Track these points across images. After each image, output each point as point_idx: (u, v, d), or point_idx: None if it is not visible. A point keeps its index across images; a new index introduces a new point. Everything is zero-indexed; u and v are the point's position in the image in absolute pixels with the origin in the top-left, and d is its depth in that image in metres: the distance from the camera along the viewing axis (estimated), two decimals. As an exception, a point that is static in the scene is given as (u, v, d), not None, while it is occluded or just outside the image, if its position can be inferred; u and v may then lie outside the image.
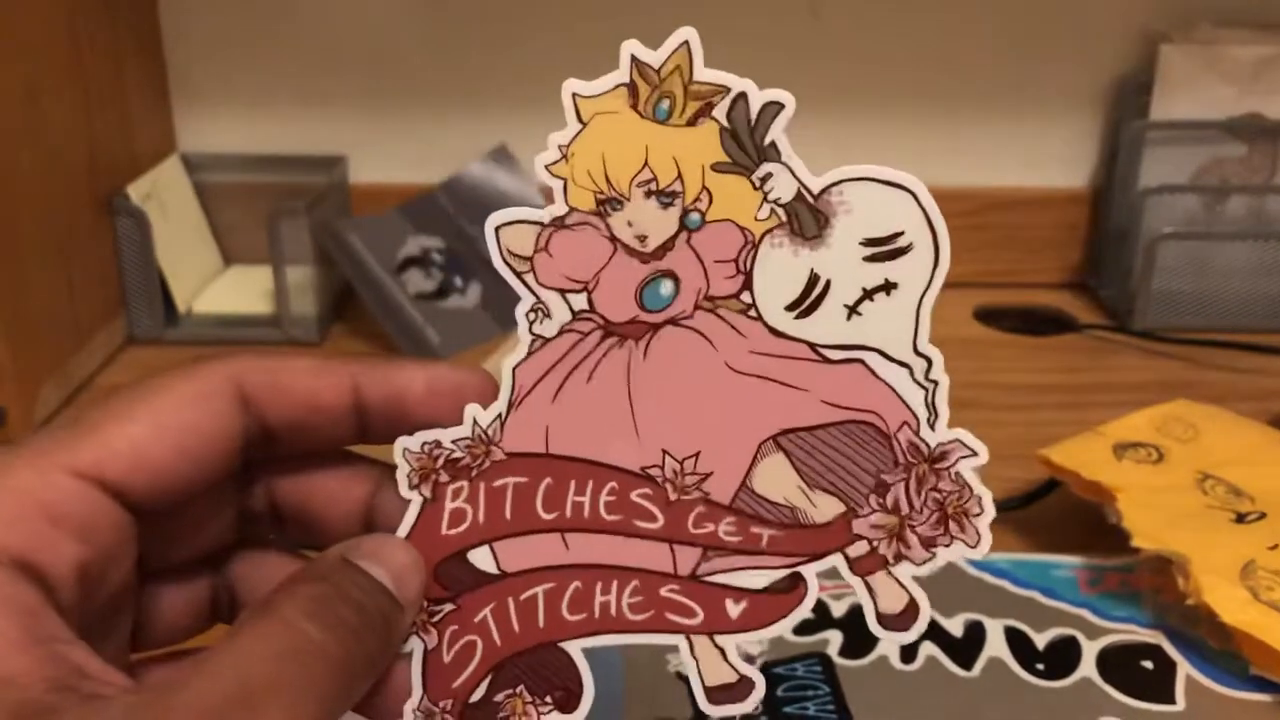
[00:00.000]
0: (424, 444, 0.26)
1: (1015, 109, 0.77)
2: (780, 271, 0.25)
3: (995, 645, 0.43)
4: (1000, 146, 0.78)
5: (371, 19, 0.75)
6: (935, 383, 0.25)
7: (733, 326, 0.25)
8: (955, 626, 0.43)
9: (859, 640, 0.43)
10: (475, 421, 0.26)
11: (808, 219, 0.24)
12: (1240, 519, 0.45)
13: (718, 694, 0.25)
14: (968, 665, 0.42)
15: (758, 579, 0.25)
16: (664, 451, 0.25)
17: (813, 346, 0.25)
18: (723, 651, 0.25)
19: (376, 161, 0.77)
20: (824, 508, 0.25)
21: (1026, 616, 0.44)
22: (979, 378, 0.66)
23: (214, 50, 0.76)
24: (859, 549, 0.25)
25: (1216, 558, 0.42)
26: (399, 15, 0.75)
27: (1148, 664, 0.42)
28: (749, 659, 0.41)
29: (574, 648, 0.26)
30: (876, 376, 0.25)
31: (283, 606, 0.22)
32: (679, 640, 0.25)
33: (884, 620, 0.25)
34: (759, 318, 0.25)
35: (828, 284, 0.25)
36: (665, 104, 0.24)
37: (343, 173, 0.76)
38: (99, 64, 0.67)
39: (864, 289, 0.25)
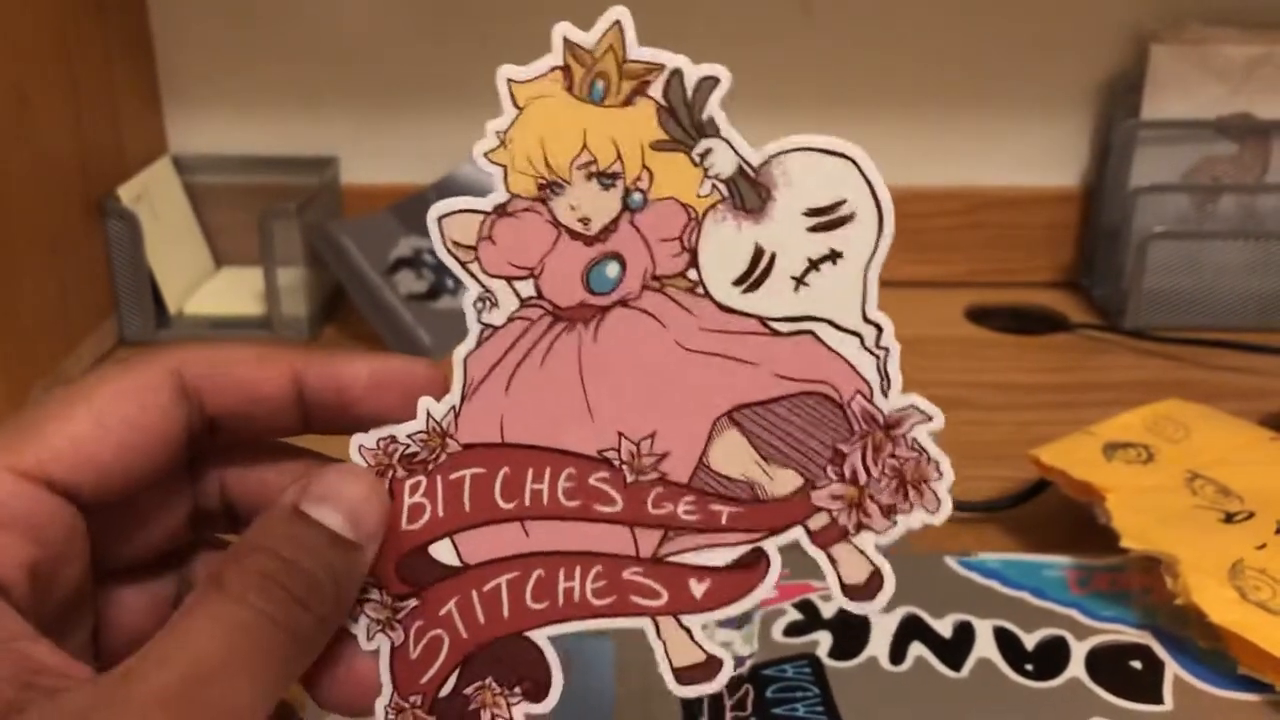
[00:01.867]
0: (379, 440, 0.26)
1: (1006, 108, 0.77)
2: (725, 247, 0.24)
3: (984, 646, 0.43)
4: (991, 145, 0.78)
5: (362, 20, 0.75)
6: (886, 349, 0.24)
7: (681, 305, 0.25)
8: (944, 627, 0.43)
9: (848, 642, 0.43)
10: (429, 414, 0.26)
11: (749, 193, 0.24)
12: (1229, 519, 0.45)
13: (686, 674, 0.25)
14: (957, 666, 0.42)
15: (720, 556, 0.25)
16: (619, 434, 0.25)
17: (762, 320, 0.25)
18: (689, 631, 0.25)
19: (368, 162, 0.77)
20: (782, 481, 0.25)
21: (1016, 617, 0.44)
22: (970, 377, 0.66)
23: (205, 52, 0.76)
24: (819, 521, 0.25)
25: (1205, 558, 0.42)
26: (390, 16, 0.75)
27: (1136, 664, 0.42)
28: (739, 660, 0.41)
29: (540, 636, 0.26)
30: (827, 347, 0.25)
31: (231, 583, 0.22)
32: (645, 623, 0.25)
33: (849, 591, 0.25)
34: (707, 294, 0.25)
35: (773, 257, 0.24)
36: (600, 85, 0.24)
37: (334, 174, 0.76)
38: (89, 66, 0.67)
39: (810, 259, 0.24)
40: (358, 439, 0.26)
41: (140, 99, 0.74)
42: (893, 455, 0.24)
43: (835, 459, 0.24)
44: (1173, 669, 0.42)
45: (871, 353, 0.24)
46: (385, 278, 0.69)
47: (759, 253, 0.24)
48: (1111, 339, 0.72)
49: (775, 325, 0.25)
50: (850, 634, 0.43)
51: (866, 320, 0.24)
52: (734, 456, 0.25)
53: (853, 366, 0.24)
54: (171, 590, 0.27)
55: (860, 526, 0.24)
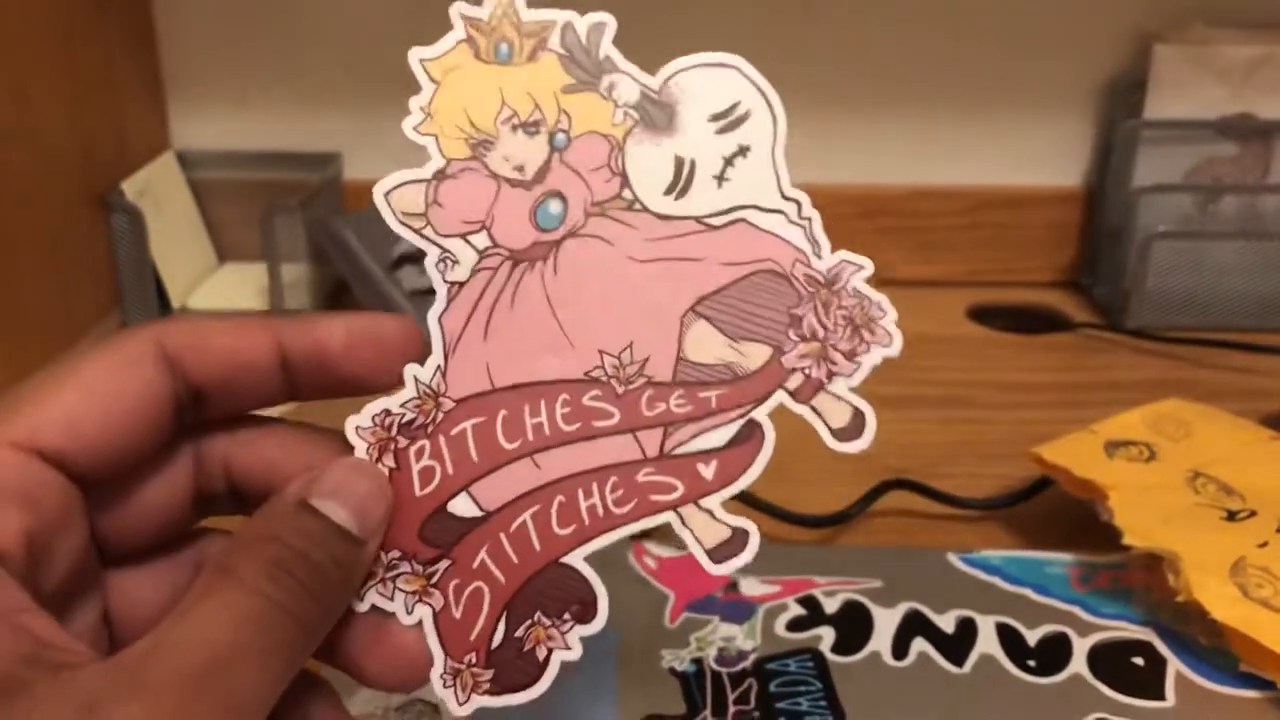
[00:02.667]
0: (373, 417, 0.27)
1: (1008, 108, 0.77)
2: (649, 163, 0.27)
3: (987, 642, 0.43)
4: (993, 145, 0.78)
5: (366, 16, 0.75)
6: (809, 219, 0.27)
7: (624, 223, 0.27)
8: (947, 623, 0.44)
9: (851, 637, 0.43)
10: (416, 379, 0.27)
11: (657, 113, 0.27)
12: (1231, 517, 0.45)
13: (718, 552, 0.27)
14: (959, 662, 0.42)
15: (718, 437, 0.27)
16: (600, 351, 0.27)
17: (698, 220, 0.27)
18: (711, 513, 0.27)
19: (371, 158, 0.77)
20: (754, 355, 0.27)
21: (1018, 613, 0.44)
22: (972, 376, 0.66)
23: (208, 46, 0.76)
24: (795, 380, 0.27)
25: (1207, 555, 0.42)
26: (393, 11, 0.75)
27: (1138, 661, 0.42)
28: (741, 654, 0.41)
29: (576, 559, 0.27)
30: (759, 228, 0.27)
31: (241, 570, 0.23)
32: (669, 516, 0.27)
33: (838, 434, 0.27)
34: (644, 209, 0.27)
35: (693, 163, 0.27)
36: (504, 47, 0.27)
37: (337, 169, 0.76)
38: (92, 60, 0.67)
39: (724, 158, 0.27)
40: (353, 421, 0.27)
41: (143, 94, 0.74)
42: (840, 306, 0.27)
43: (793, 323, 0.27)
44: (1174, 666, 0.42)
45: (797, 224, 0.27)
46: (388, 273, 0.69)
47: (679, 162, 0.27)
48: (1113, 339, 0.72)
49: (710, 221, 0.27)
50: (853, 629, 0.43)
51: (785, 198, 0.27)
52: (706, 345, 0.27)
53: (785, 240, 0.27)
54: (181, 575, 0.27)
55: (831, 374, 0.27)
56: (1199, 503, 0.46)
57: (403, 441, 0.26)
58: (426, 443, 0.26)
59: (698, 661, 0.41)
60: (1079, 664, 0.42)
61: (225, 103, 0.77)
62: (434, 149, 0.27)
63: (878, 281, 0.27)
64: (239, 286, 0.75)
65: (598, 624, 0.26)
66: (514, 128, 0.27)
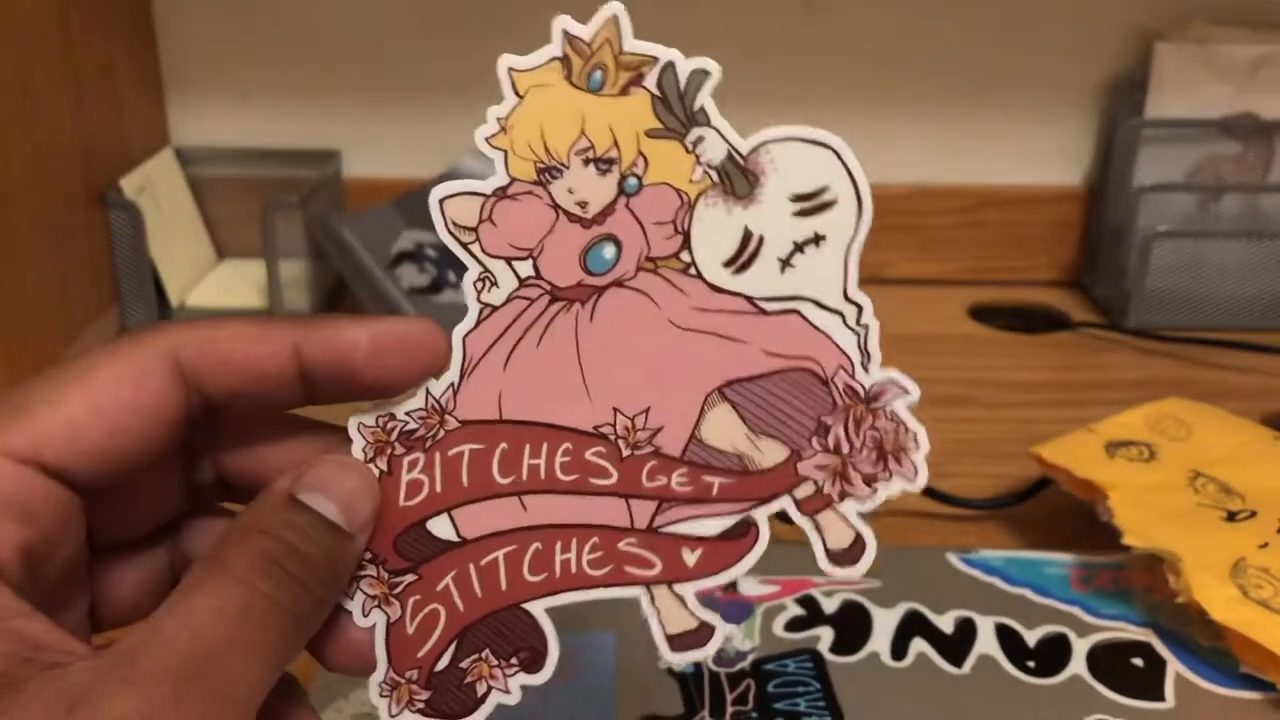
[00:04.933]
0: (378, 418, 0.26)
1: (1010, 106, 0.77)
2: (716, 230, 0.26)
3: (986, 642, 0.43)
4: (995, 144, 0.78)
5: (366, 13, 0.75)
6: (866, 327, 0.26)
7: (674, 285, 0.26)
8: (946, 623, 0.43)
9: (850, 637, 0.43)
10: (428, 392, 0.26)
11: (739, 179, 0.25)
12: (1231, 517, 0.45)
13: (679, 641, 0.26)
14: (958, 662, 0.42)
15: (712, 526, 0.26)
16: (615, 409, 0.26)
17: (750, 300, 0.26)
18: (682, 600, 0.26)
19: (370, 155, 0.77)
20: (770, 453, 0.26)
21: (1017, 614, 0.44)
22: (973, 375, 0.66)
23: (208, 43, 0.76)
24: (805, 490, 0.26)
25: (1207, 556, 0.42)
26: (393, 9, 0.75)
27: (1138, 661, 0.42)
28: (739, 655, 0.41)
29: (537, 608, 0.26)
30: (812, 325, 0.26)
31: (233, 563, 0.23)
32: (639, 592, 0.26)
33: (833, 556, 0.26)
34: (699, 275, 0.26)
35: (761, 239, 0.26)
36: (598, 75, 0.25)
37: (336, 167, 0.76)
38: (91, 56, 0.67)
39: (795, 242, 0.26)
40: (356, 417, 0.26)
41: (143, 90, 0.74)
42: (873, 427, 0.26)
43: (820, 431, 0.26)
44: (1174, 667, 0.42)
45: (853, 330, 0.26)
46: (387, 271, 0.69)
47: (748, 235, 0.26)
48: (1114, 338, 0.72)
49: (763, 304, 0.26)
50: (852, 629, 0.43)
51: (848, 299, 0.26)
52: (724, 430, 0.26)
53: (835, 343, 0.26)
54: (164, 559, 0.27)
55: (844, 494, 0.26)
56: (1199, 503, 0.46)
57: (399, 449, 0.26)
58: (422, 456, 0.26)
59: (696, 662, 0.41)
60: (1078, 665, 0.42)
61: (224, 99, 0.77)
62: (500, 165, 0.25)
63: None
64: (238, 283, 0.74)
65: (542, 676, 0.26)
66: (587, 161, 0.25)
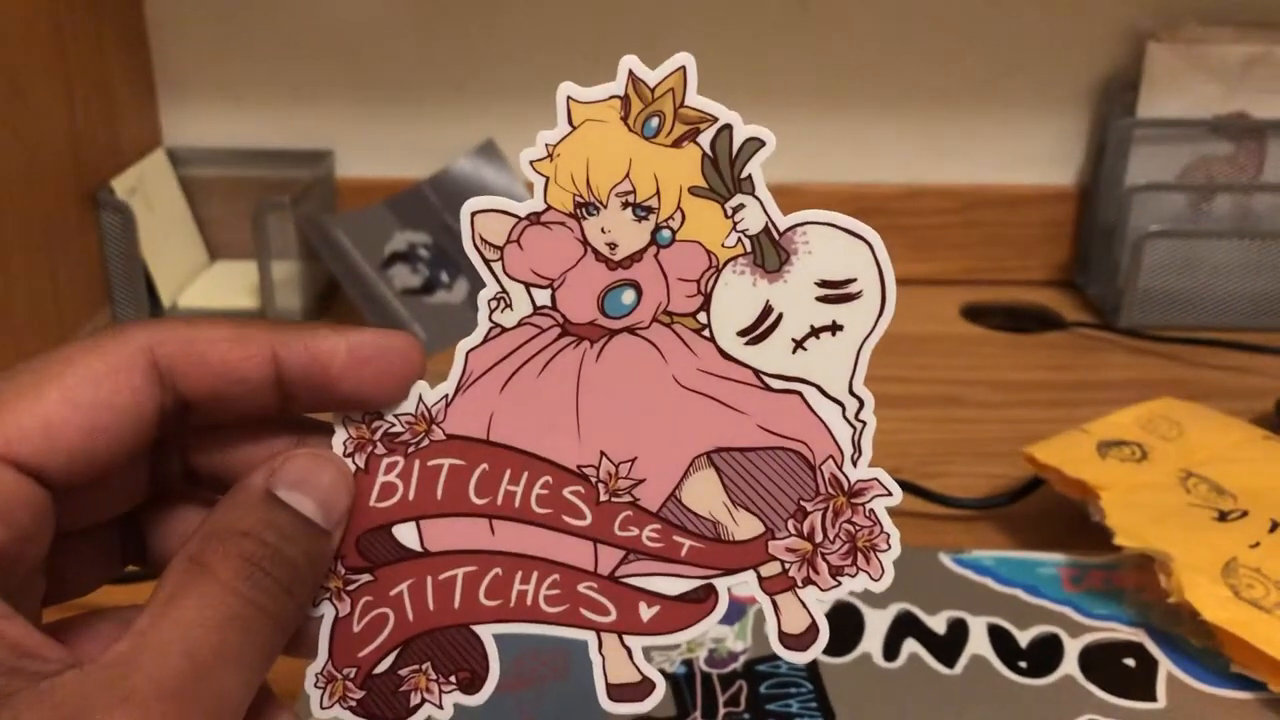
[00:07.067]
0: (365, 414, 0.26)
1: (1002, 106, 0.77)
2: (738, 298, 0.26)
3: (978, 643, 0.43)
4: (987, 144, 0.78)
5: (358, 13, 0.75)
6: (864, 423, 0.26)
7: (685, 343, 0.26)
8: (938, 624, 0.43)
9: (842, 638, 0.43)
10: (420, 399, 0.26)
11: (771, 253, 0.26)
12: (1222, 517, 0.45)
13: (619, 691, 0.26)
14: (950, 663, 0.42)
15: (673, 586, 0.26)
16: (602, 453, 0.26)
17: (757, 373, 0.26)
18: (629, 651, 0.26)
19: (363, 156, 0.77)
20: (744, 526, 0.26)
21: (1009, 614, 0.44)
22: (965, 375, 0.66)
23: (200, 44, 0.75)
24: (771, 569, 0.26)
25: (1198, 556, 0.42)
26: (386, 9, 0.75)
27: (1129, 662, 0.42)
28: (731, 656, 0.41)
29: (486, 632, 0.26)
30: (811, 409, 0.26)
31: (217, 568, 0.22)
32: (589, 636, 0.26)
33: (785, 639, 0.26)
34: (711, 339, 0.26)
35: (779, 316, 0.26)
36: (655, 121, 0.25)
37: (329, 167, 0.76)
38: (83, 56, 0.66)
39: (812, 326, 0.26)
40: (344, 411, 0.26)
41: (135, 91, 0.74)
42: (850, 521, 0.26)
43: (797, 514, 0.26)
44: (1166, 667, 0.42)
45: (850, 423, 0.26)
46: (380, 272, 0.69)
47: (768, 310, 0.26)
48: (1106, 338, 0.72)
49: (768, 380, 0.26)
50: (844, 630, 0.43)
51: (852, 393, 0.26)
52: (705, 495, 0.26)
53: (831, 432, 0.26)
54: (115, 538, 0.27)
55: (808, 581, 0.26)
56: (1191, 503, 0.46)
57: (380, 449, 0.26)
58: (402, 461, 0.26)
59: (688, 663, 0.41)
60: (1070, 665, 0.42)
61: (216, 100, 0.77)
62: (539, 190, 0.25)
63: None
64: (230, 284, 0.74)
65: (479, 699, 0.26)
66: (625, 204, 0.25)
